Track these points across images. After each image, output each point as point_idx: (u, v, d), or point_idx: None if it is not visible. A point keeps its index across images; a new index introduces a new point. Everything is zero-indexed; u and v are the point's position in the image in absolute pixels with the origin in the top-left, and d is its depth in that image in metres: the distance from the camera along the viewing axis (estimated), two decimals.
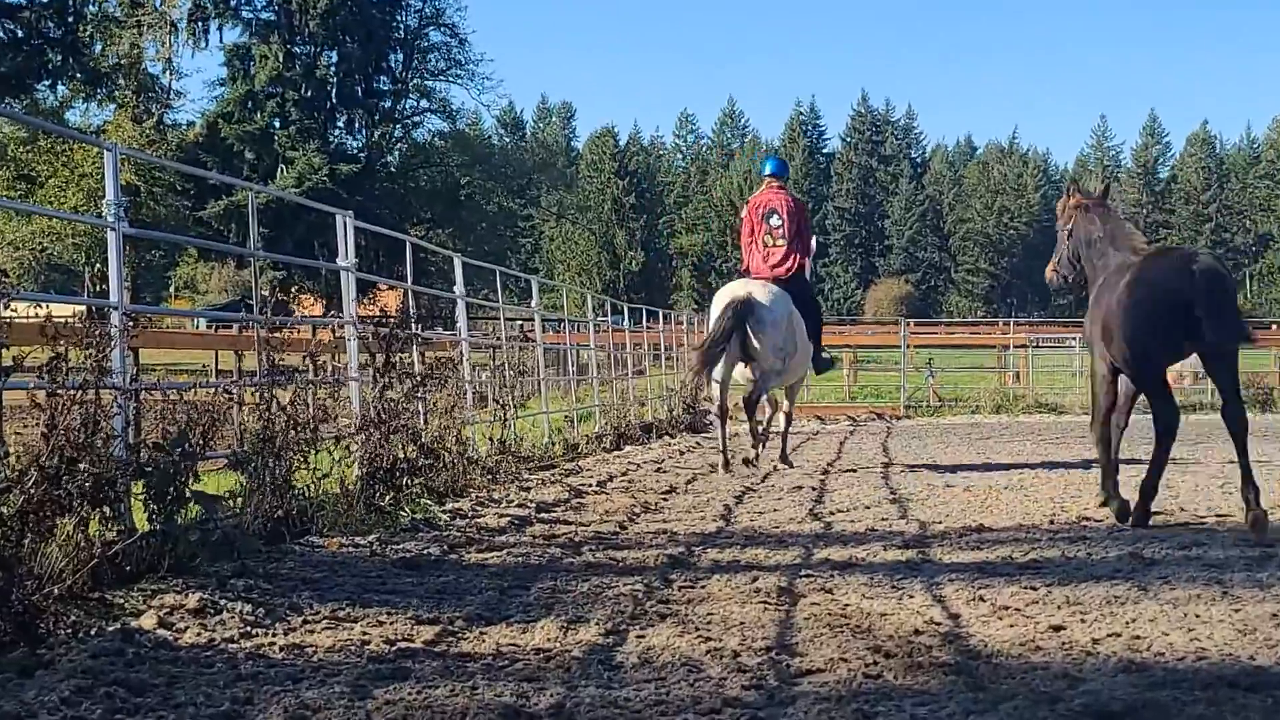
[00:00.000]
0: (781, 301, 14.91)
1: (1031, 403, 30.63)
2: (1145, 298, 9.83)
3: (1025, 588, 7.88)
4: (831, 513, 11.72)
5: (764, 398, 15.96)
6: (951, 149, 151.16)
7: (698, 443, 21.18)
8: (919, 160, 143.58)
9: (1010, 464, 16.72)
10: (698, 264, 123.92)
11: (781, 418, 16.79)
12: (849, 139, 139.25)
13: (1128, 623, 6.95)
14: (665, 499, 12.83)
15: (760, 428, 16.08)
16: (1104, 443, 11.05)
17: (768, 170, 16.20)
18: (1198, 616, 7.07)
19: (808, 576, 8.28)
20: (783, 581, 8.07)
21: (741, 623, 6.91)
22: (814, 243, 16.11)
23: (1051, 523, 10.90)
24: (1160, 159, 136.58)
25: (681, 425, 23.70)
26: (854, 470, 16.17)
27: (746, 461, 15.60)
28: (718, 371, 14.91)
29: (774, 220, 15.52)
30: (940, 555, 9.20)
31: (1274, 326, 67.71)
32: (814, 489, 13.85)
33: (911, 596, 7.64)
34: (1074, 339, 46.61)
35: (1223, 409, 10.10)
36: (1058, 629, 6.82)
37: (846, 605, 7.41)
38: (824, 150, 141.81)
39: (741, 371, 15.19)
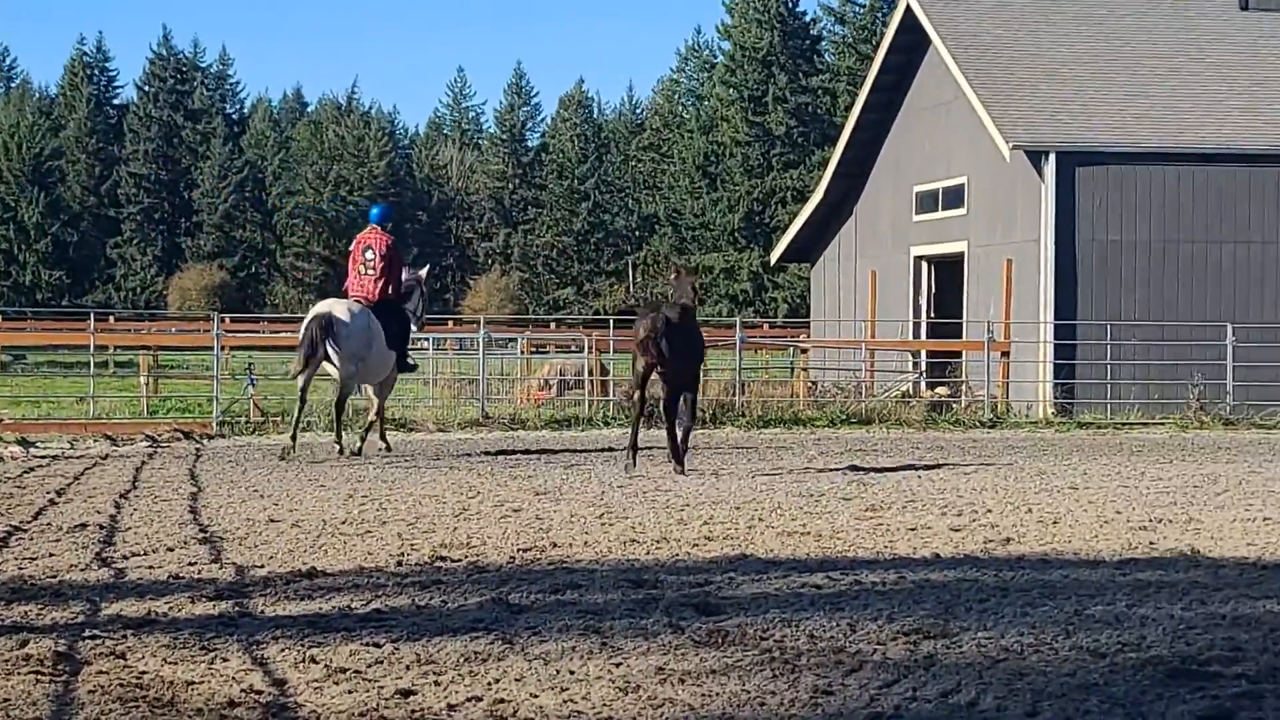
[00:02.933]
0: (360, 316, 22.40)
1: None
2: None
3: (367, 644, 7.95)
4: (125, 557, 11.50)
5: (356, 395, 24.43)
6: (277, 104, 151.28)
7: None
8: (236, 117, 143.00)
9: (350, 493, 16.86)
10: None
11: (373, 413, 24.07)
12: (147, 88, 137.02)
13: (490, 684, 7.12)
14: None
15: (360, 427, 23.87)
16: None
17: (373, 217, 24.21)
18: (572, 674, 7.32)
19: (94, 638, 8.09)
20: (62, 645, 7.86)
21: (5, 700, 6.68)
22: (406, 272, 24.07)
23: (400, 564, 11.05)
24: (529, 124, 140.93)
25: None
26: (158, 500, 15.95)
27: (343, 453, 22.82)
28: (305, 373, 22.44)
29: (369, 255, 23.17)
30: (263, 607, 9.17)
31: None
32: (103, 527, 13.55)
33: (226, 659, 7.58)
34: (427, 340, 47.40)
35: None
36: (407, 694, 6.91)
37: (144, 673, 7.27)
38: (114, 101, 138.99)
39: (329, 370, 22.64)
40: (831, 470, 20.51)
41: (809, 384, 39.87)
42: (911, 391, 38.57)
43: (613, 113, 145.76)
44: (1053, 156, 36.82)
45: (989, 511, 14.96)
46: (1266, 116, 38.78)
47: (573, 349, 47.63)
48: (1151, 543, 12.49)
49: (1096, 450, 25.76)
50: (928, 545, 12.20)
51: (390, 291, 23.20)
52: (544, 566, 10.92)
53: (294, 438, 22.79)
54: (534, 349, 47.83)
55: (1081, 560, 11.35)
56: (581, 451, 24.17)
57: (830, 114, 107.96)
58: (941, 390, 39.24)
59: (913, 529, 13.35)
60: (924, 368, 41.82)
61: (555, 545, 12.14)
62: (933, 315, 43.21)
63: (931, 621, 8.48)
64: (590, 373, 37.14)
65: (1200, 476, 19.67)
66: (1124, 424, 33.51)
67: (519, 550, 11.81)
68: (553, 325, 70.92)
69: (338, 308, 22.55)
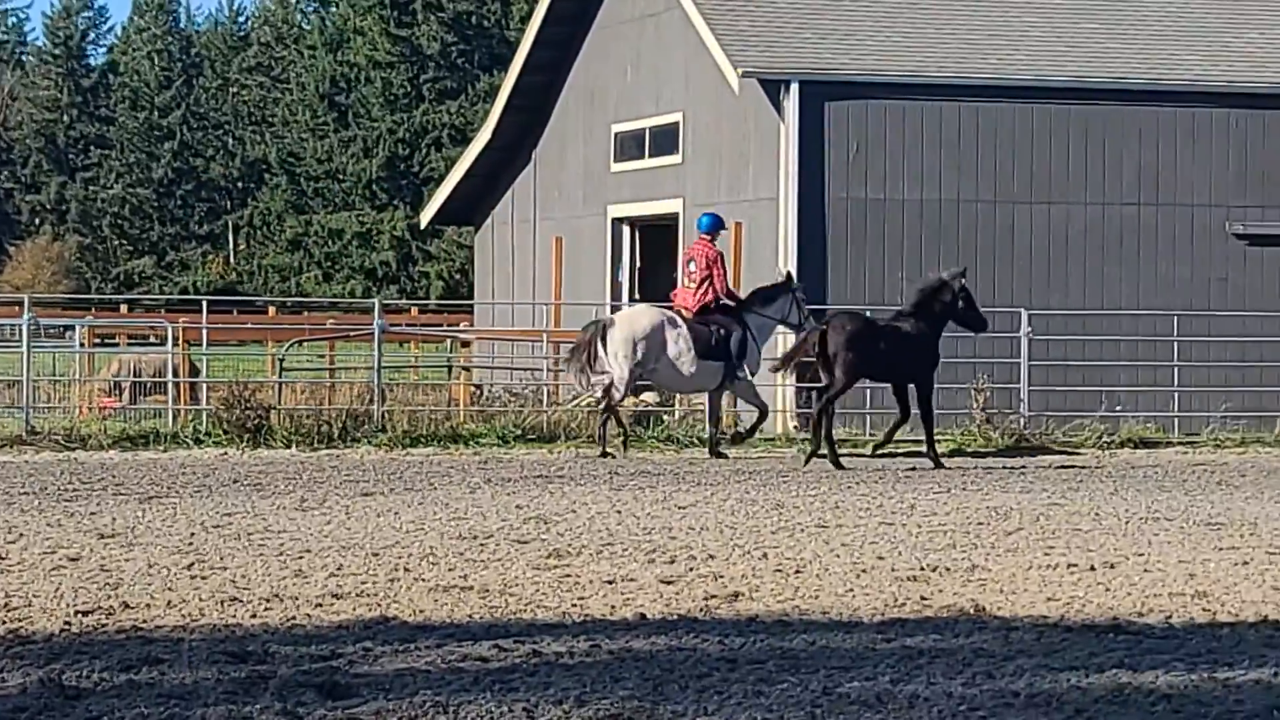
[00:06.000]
0: (657, 328, 30.20)
1: None
2: None
3: None
4: None
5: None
6: None
7: None
8: None
9: None
10: None
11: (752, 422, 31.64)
12: None
13: None
14: None
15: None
16: None
17: (701, 226, 31.63)
18: None
19: None
20: None
21: None
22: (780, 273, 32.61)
23: None
24: (91, 35, 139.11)
25: None
26: None
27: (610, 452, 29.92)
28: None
29: (691, 266, 31.12)
30: None
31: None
32: None
33: None
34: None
35: None
36: None
37: None
38: None
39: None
40: (502, 504, 20.53)
41: (472, 388, 39.89)
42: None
43: (206, 22, 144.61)
44: (795, 88, 36.79)
45: (711, 558, 15.09)
46: (1070, 41, 39.22)
47: (151, 340, 47.09)
48: (924, 598, 12.69)
49: (854, 477, 26.02)
50: (630, 603, 12.28)
51: (709, 300, 30.75)
52: (111, 635, 10.79)
53: (605, 441, 30.26)
54: (98, 340, 47.24)
55: (832, 621, 11.50)
56: (164, 479, 23.92)
57: (501, 26, 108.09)
58: (650, 397, 39.38)
59: (610, 582, 13.42)
60: None
61: (127, 606, 12.00)
62: (638, 297, 43.11)
63: (635, 704, 8.53)
64: (176, 373, 36.76)
65: (986, 510, 20.04)
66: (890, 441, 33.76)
67: (76, 613, 11.66)
68: (124, 308, 69.98)
69: (618, 316, 32.01)
